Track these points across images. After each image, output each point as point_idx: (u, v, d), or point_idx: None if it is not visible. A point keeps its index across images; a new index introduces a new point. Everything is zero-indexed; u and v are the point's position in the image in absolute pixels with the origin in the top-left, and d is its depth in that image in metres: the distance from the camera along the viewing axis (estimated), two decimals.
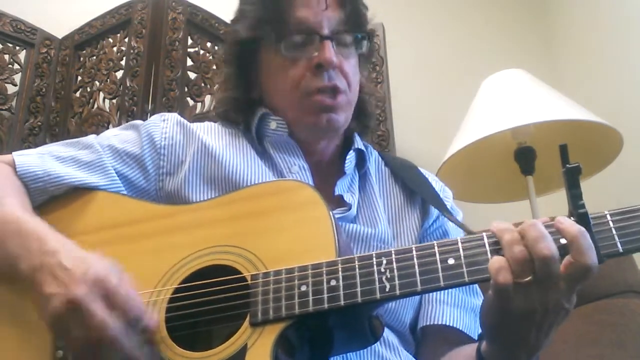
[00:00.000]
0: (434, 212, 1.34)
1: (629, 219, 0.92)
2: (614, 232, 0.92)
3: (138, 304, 0.95)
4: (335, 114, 1.28)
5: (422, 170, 1.44)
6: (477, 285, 1.31)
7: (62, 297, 0.92)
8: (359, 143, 1.38)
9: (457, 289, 1.28)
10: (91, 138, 1.31)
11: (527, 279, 0.89)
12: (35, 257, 0.99)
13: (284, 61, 1.29)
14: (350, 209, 1.26)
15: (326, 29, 1.28)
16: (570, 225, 0.92)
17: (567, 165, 0.95)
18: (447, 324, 1.23)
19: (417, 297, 1.27)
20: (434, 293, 1.26)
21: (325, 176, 1.32)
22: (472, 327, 1.25)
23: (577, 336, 1.81)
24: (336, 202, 1.27)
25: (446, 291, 1.26)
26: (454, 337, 1.22)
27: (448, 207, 1.35)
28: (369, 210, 1.30)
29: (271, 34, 1.29)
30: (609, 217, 0.94)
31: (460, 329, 1.23)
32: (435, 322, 1.24)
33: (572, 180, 0.95)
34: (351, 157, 1.34)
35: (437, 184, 1.42)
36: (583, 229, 0.91)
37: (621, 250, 0.91)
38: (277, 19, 1.29)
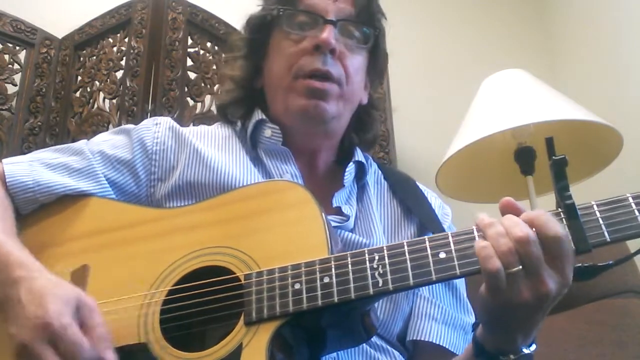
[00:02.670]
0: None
1: (616, 209, 0.94)
2: (601, 221, 0.94)
3: (84, 351, 0.92)
4: (325, 102, 1.27)
5: (421, 185, 1.43)
6: (466, 302, 1.31)
7: (16, 340, 0.92)
8: (359, 155, 1.38)
9: (448, 304, 1.28)
10: (82, 144, 1.31)
11: (516, 268, 0.90)
12: (1, 288, 0.99)
13: (286, 42, 1.31)
14: (348, 219, 1.26)
15: (332, 15, 1.29)
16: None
17: (554, 157, 0.97)
18: (433, 341, 1.22)
19: (407, 310, 1.26)
20: (424, 307, 1.26)
21: (322, 188, 1.31)
22: (461, 345, 1.24)
23: (578, 336, 1.81)
24: (333, 212, 1.27)
25: (436, 306, 1.26)
26: (442, 354, 1.21)
27: (446, 226, 1.34)
28: (366, 222, 1.30)
29: (279, 14, 1.32)
30: (595, 208, 0.95)
31: (447, 347, 1.22)
32: (423, 338, 1.23)
33: (559, 172, 0.96)
34: (351, 169, 1.33)
35: (436, 201, 1.41)
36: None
37: (609, 240, 0.93)
38: (288, 1, 1.32)
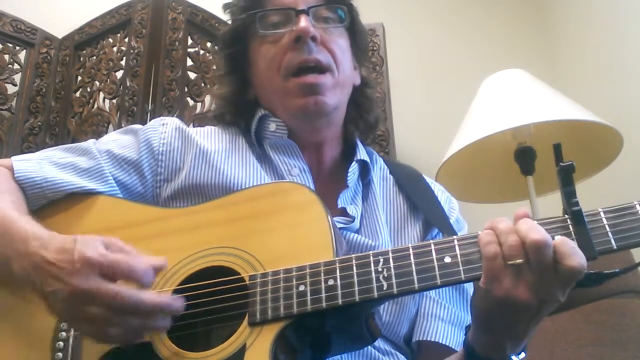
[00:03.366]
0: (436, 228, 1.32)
1: (622, 217, 0.94)
2: (607, 229, 0.93)
3: (135, 262, 0.95)
4: (323, 96, 1.26)
5: (427, 178, 1.42)
6: None
7: (65, 292, 0.93)
8: (362, 153, 1.37)
9: (454, 304, 1.28)
10: (90, 143, 1.31)
11: (518, 261, 0.90)
12: (23, 258, 1.00)
13: (265, 45, 1.30)
14: (353, 220, 1.26)
15: (302, 5, 1.29)
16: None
17: (561, 164, 0.96)
18: (440, 341, 1.22)
19: (413, 311, 1.26)
20: (431, 307, 1.26)
21: (328, 187, 1.31)
22: None
23: (578, 336, 1.82)
24: (339, 212, 1.27)
25: (443, 306, 1.26)
26: (447, 354, 1.20)
27: (453, 219, 1.34)
28: (371, 222, 1.29)
29: (251, 20, 1.31)
30: (602, 215, 0.95)
31: (453, 347, 1.22)
32: (429, 338, 1.22)
33: (566, 178, 0.96)
34: (354, 169, 1.32)
35: (443, 195, 1.40)
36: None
37: (615, 247, 0.92)
38: (255, 5, 1.31)
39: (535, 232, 0.91)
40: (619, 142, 2.26)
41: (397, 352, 1.22)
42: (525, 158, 2.40)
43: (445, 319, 1.24)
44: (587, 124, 2.26)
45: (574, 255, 0.90)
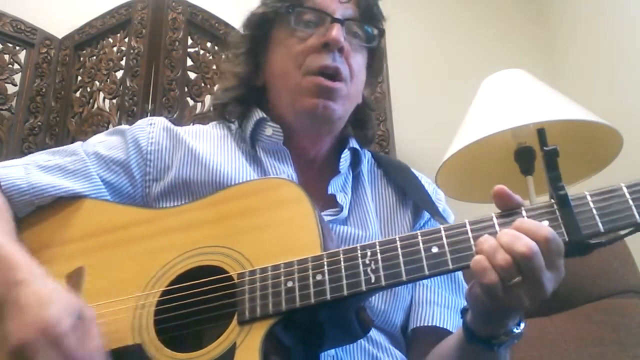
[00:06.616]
0: (426, 213, 1.34)
1: (609, 199, 0.92)
2: (594, 212, 0.92)
3: (84, 356, 0.92)
4: (333, 102, 1.27)
5: (415, 171, 1.43)
6: (464, 285, 1.31)
7: (12, 339, 0.91)
8: (354, 143, 1.38)
9: (446, 289, 1.29)
10: (77, 145, 1.31)
11: (516, 280, 0.89)
12: (2, 288, 0.98)
13: (292, 39, 1.30)
14: (342, 210, 1.26)
15: (338, 14, 1.29)
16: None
17: (545, 148, 0.95)
18: (437, 325, 1.23)
19: (408, 299, 1.27)
20: (423, 294, 1.27)
21: (319, 174, 1.32)
22: None
23: (578, 336, 1.82)
24: (328, 201, 1.27)
25: (435, 292, 1.27)
26: (444, 337, 1.21)
27: (440, 209, 1.34)
28: (361, 212, 1.30)
29: (285, 10, 1.31)
30: (589, 198, 0.93)
31: (450, 329, 1.23)
32: (426, 324, 1.23)
33: (551, 162, 0.95)
34: (346, 156, 1.33)
35: (430, 186, 1.42)
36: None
37: (602, 230, 0.91)
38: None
39: (519, 244, 0.89)
40: (619, 142, 2.26)
41: (392, 347, 1.22)
42: (525, 158, 2.40)
43: (439, 303, 1.26)
44: (587, 124, 2.26)
45: (537, 226, 0.90)
